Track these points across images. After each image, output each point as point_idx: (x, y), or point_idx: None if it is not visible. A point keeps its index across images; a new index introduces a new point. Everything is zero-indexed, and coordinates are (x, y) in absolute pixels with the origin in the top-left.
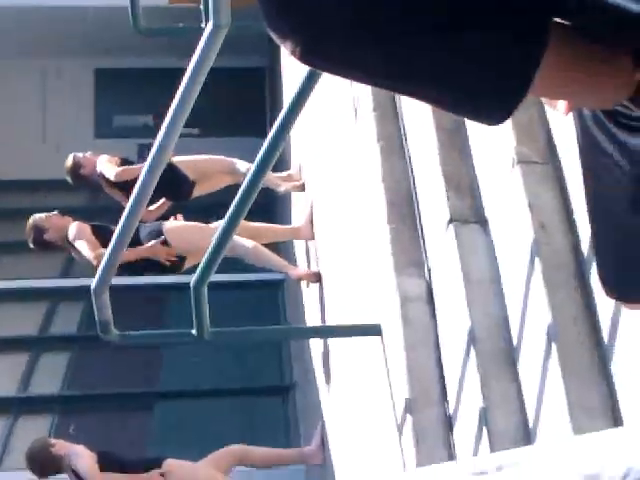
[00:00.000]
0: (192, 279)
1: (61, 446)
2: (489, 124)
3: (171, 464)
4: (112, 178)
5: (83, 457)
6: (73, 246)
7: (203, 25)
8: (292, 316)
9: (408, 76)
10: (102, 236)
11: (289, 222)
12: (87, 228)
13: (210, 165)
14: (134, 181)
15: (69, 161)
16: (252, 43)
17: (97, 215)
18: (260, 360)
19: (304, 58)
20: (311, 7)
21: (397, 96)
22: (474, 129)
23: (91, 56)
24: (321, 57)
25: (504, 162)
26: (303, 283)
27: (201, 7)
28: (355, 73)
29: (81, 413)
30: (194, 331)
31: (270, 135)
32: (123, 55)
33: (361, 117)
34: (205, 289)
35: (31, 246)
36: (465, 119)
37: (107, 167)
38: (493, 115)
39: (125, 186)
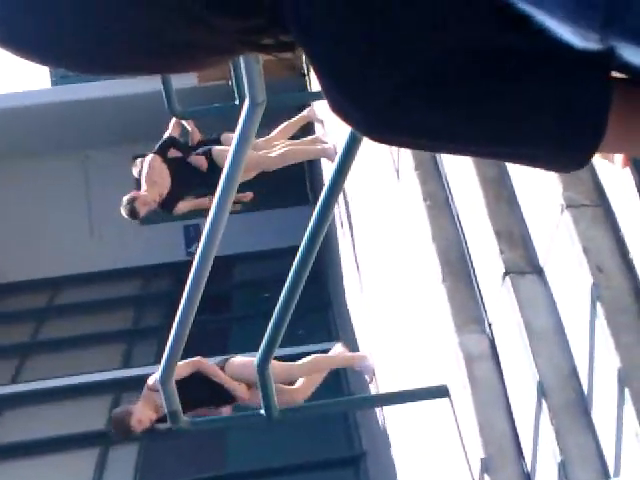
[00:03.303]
0: (256, 359)
1: None
2: (564, 171)
3: None
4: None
5: None
6: None
7: (237, 102)
8: (354, 384)
9: (489, 135)
10: None
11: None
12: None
13: None
14: None
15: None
16: (283, 113)
17: (148, 302)
18: (327, 432)
19: (372, 134)
20: (372, 77)
21: (438, 154)
22: (519, 178)
23: (128, 143)
24: (391, 129)
25: (553, 208)
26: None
27: (229, 83)
28: (427, 142)
29: None
30: (262, 411)
31: (318, 206)
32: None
33: (403, 177)
34: (270, 368)
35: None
36: (509, 168)
37: None
38: (571, 165)
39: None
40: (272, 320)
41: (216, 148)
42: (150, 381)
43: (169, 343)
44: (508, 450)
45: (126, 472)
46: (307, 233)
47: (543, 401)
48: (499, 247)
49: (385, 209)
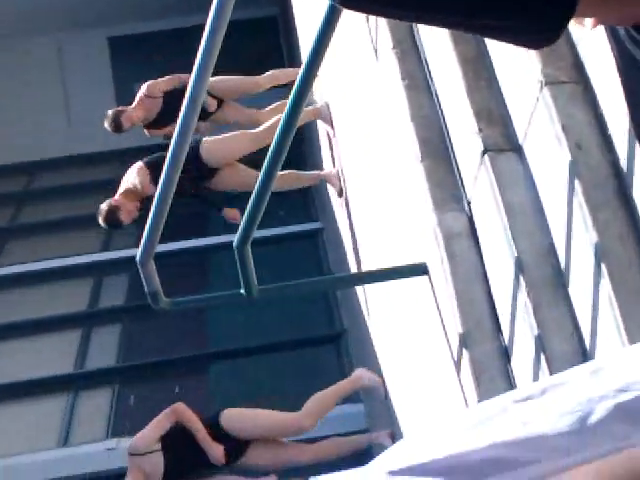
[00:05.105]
0: (235, 239)
1: None
2: (537, 47)
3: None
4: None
5: None
6: None
7: None
8: (334, 263)
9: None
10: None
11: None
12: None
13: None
14: None
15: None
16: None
17: None
18: (308, 311)
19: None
20: None
21: (416, 32)
22: (497, 56)
23: (103, 26)
24: None
25: (532, 85)
26: (344, 233)
27: None
28: (396, 10)
29: (139, 383)
30: (242, 290)
31: (297, 82)
32: (134, 20)
33: (382, 56)
34: (249, 248)
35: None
36: (488, 46)
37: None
38: (542, 40)
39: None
40: (251, 200)
41: (207, 139)
42: (129, 447)
43: (148, 224)
44: (486, 325)
45: (109, 352)
46: (286, 110)
47: (521, 277)
48: (478, 125)
49: (363, 89)
